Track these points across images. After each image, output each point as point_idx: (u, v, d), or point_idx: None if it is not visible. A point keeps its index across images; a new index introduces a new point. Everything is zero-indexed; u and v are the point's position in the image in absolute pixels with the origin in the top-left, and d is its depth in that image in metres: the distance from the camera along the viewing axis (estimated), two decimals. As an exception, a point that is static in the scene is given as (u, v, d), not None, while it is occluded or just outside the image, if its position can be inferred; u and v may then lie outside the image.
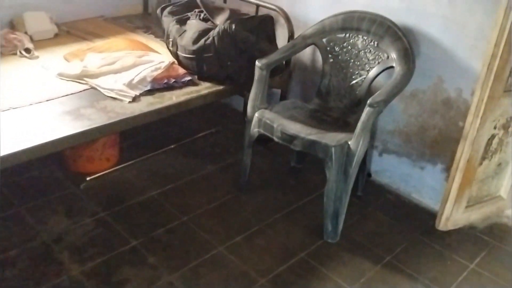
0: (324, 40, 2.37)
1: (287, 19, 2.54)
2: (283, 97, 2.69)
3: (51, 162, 2.44)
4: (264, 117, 2.17)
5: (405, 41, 2.15)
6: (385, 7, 2.26)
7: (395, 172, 2.53)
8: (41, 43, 2.63)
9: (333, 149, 1.98)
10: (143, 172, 2.51)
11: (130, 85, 2.18)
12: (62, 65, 2.35)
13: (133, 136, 2.68)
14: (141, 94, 2.16)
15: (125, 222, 2.15)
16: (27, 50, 2.47)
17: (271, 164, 2.68)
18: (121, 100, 2.10)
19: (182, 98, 2.20)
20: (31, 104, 2.00)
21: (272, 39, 2.49)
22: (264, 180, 2.55)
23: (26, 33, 2.62)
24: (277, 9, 2.56)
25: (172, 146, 2.73)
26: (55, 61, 2.43)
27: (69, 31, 2.81)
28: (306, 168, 2.64)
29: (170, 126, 2.87)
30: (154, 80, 2.23)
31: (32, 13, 2.68)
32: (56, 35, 2.74)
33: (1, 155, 1.66)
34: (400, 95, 2.20)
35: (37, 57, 2.47)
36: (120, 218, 2.17)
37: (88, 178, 2.39)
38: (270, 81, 2.42)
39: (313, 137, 2.04)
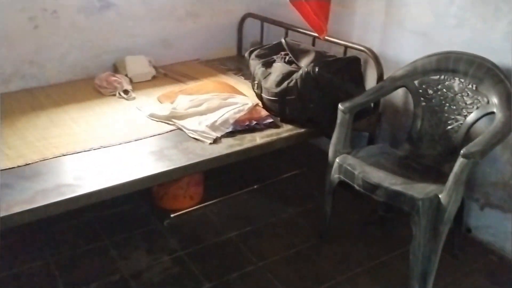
0: (415, 82, 2.22)
1: (376, 60, 2.44)
2: (371, 141, 2.55)
3: (140, 198, 2.54)
4: (345, 163, 2.06)
5: (508, 84, 1.92)
6: (485, 47, 2.06)
7: (499, 229, 2.23)
8: (139, 85, 2.80)
9: (420, 203, 1.80)
10: (224, 212, 2.51)
11: (212, 126, 2.21)
12: (154, 106, 2.48)
13: (218, 175, 2.71)
14: (223, 136, 2.18)
15: (201, 263, 2.14)
16: (126, 92, 2.65)
17: (356, 211, 2.53)
18: (203, 142, 2.14)
19: (262, 141, 2.19)
20: (120, 144, 2.12)
21: (358, 81, 2.39)
22: (347, 228, 2.40)
23: (126, 75, 2.82)
24: (366, 50, 2.46)
25: (255, 187, 2.71)
26: (149, 102, 2.56)
27: (166, 74, 2.97)
28: (395, 218, 2.44)
29: (255, 165, 2.86)
30: (236, 122, 2.25)
31: (133, 57, 2.88)
32: (153, 77, 2.91)
33: (90, 191, 1.76)
34: (503, 143, 1.96)
35: (134, 98, 2.63)
36: (197, 258, 2.17)
37: (172, 215, 2.45)
38: (357, 124, 2.32)
39: (398, 187, 1.88)
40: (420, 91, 2.20)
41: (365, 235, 2.36)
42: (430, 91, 2.18)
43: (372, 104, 2.49)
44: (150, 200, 2.52)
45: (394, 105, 2.59)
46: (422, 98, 2.20)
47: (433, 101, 2.17)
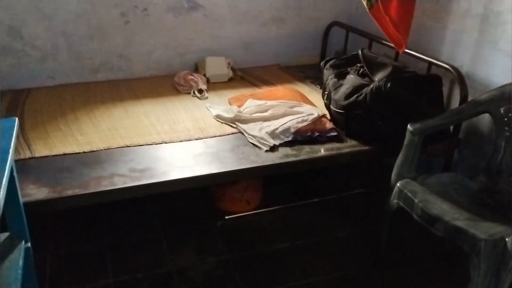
0: (501, 109, 1.98)
1: (461, 81, 2.23)
2: (447, 167, 2.34)
3: (200, 196, 2.59)
4: (406, 188, 1.90)
5: None
6: None
7: None
8: (215, 85, 2.86)
9: (482, 244, 1.60)
10: (279, 221, 2.46)
11: (272, 134, 2.17)
12: (223, 108, 2.50)
13: (279, 183, 2.66)
14: (281, 144, 2.13)
15: (245, 270, 2.12)
16: (200, 91, 2.71)
17: (422, 241, 2.31)
18: (260, 148, 2.11)
19: (320, 154, 2.10)
20: (181, 141, 2.17)
21: (437, 101, 2.20)
22: (407, 259, 2.22)
23: (205, 75, 2.89)
24: (451, 69, 2.26)
25: (316, 200, 2.62)
26: (220, 103, 2.60)
27: (243, 77, 2.99)
28: (464, 256, 2.20)
29: (322, 177, 2.77)
30: (298, 131, 2.18)
31: (213, 58, 2.95)
32: (230, 79, 2.95)
33: (138, 184, 1.82)
34: None
35: (207, 98, 2.68)
36: (242, 264, 2.15)
37: (226, 217, 2.45)
38: (432, 147, 2.16)
39: (460, 223, 1.69)
40: (505, 119, 1.97)
41: (426, 269, 2.16)
42: (517, 121, 1.94)
43: (451, 128, 2.28)
44: (209, 200, 2.55)
45: (479, 132, 2.34)
46: (506, 128, 1.96)
47: (519, 132, 1.92)
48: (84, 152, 2.02)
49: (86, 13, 2.74)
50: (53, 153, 2.00)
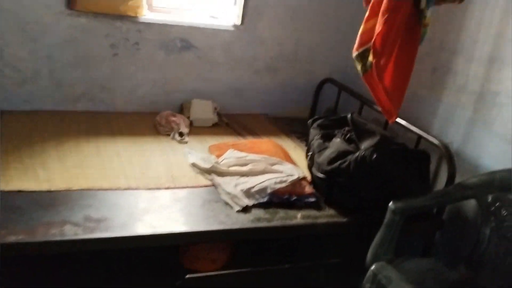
0: (489, 196, 1.87)
1: (449, 160, 2.13)
2: (426, 251, 2.21)
3: (168, 249, 2.40)
4: (381, 273, 1.75)
5: None
6: None
7: None
8: (198, 129, 2.74)
9: None
10: (245, 286, 2.28)
11: (247, 192, 2.04)
12: (201, 155, 2.37)
13: (249, 243, 2.49)
14: (254, 205, 2.00)
15: None
16: (181, 134, 2.59)
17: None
18: (231, 207, 1.97)
19: (294, 222, 1.96)
20: (148, 189, 2.03)
21: (424, 178, 2.09)
22: None
23: (188, 117, 2.78)
24: (440, 146, 2.16)
25: (286, 266, 2.44)
26: (199, 150, 2.47)
27: (228, 123, 2.88)
28: None
29: (296, 241, 2.60)
30: (275, 192, 2.06)
31: (199, 101, 2.85)
32: (214, 125, 2.84)
33: (88, 237, 1.65)
34: None
35: (186, 142, 2.56)
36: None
37: (186, 276, 2.27)
38: (413, 226, 2.03)
39: (434, 322, 1.55)
40: (492, 208, 1.85)
41: None
42: (504, 212, 1.82)
43: (435, 209, 2.16)
44: (174, 253, 2.37)
45: (463, 215, 2.22)
46: (492, 218, 1.85)
47: (505, 224, 1.80)
48: (40, 191, 1.87)
49: (75, 40, 2.63)
50: (8, 189, 1.85)
